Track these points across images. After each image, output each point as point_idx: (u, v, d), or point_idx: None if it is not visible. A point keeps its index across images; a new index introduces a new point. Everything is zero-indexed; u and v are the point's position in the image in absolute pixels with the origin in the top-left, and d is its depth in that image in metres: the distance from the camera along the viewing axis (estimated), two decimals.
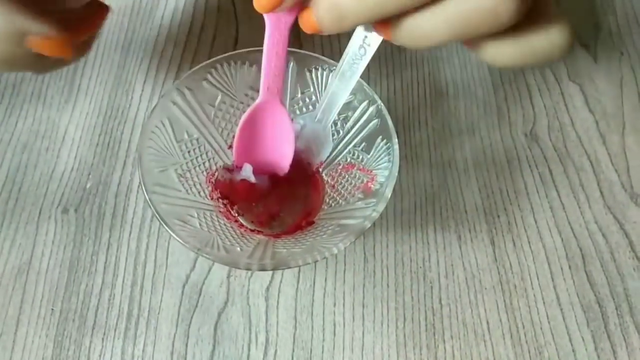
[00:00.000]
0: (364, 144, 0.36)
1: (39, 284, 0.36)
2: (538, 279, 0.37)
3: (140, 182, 0.39)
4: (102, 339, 0.34)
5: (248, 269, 0.32)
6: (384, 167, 0.33)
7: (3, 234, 0.37)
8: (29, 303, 0.35)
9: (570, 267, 0.37)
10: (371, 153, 0.35)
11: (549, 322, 0.35)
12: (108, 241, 0.37)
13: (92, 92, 0.43)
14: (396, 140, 0.32)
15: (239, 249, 0.32)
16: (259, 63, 0.36)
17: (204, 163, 0.36)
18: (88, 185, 0.39)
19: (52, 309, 0.35)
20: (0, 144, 0.41)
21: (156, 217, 0.30)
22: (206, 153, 0.37)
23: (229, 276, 0.36)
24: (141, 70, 0.44)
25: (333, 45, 0.47)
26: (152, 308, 0.35)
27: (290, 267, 0.31)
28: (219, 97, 0.36)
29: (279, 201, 0.37)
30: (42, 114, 0.42)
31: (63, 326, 0.34)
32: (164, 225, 0.29)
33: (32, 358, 0.33)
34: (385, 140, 0.33)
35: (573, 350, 0.34)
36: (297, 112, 0.38)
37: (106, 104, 0.43)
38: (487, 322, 0.35)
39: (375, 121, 0.34)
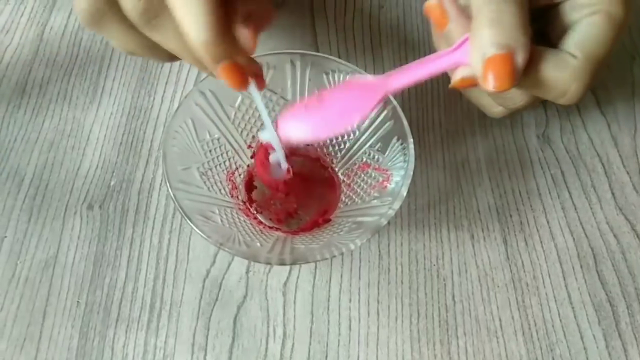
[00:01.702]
0: (379, 144, 0.36)
1: (65, 278, 0.37)
2: (550, 277, 0.37)
3: (162, 180, 0.41)
4: (126, 331, 0.35)
5: (268, 263, 0.33)
6: (399, 166, 0.34)
7: (30, 229, 0.39)
8: (56, 295, 0.36)
9: (581, 267, 0.38)
10: (386, 153, 0.36)
11: (560, 320, 0.36)
12: (131, 236, 0.38)
13: (116, 93, 0.45)
14: (411, 140, 0.33)
15: (258, 244, 0.33)
16: (276, 66, 0.37)
17: (224, 162, 0.38)
18: (112, 183, 0.41)
19: (78, 302, 0.36)
20: (27, 143, 0.42)
21: (180, 212, 0.31)
22: (226, 152, 0.38)
23: (247, 271, 0.37)
24: (163, 73, 0.46)
25: (349, 49, 0.48)
26: (173, 301, 0.36)
27: (308, 262, 0.32)
28: (239, 99, 0.38)
29: (296, 199, 0.39)
30: (68, 113, 0.44)
31: (88, 318, 0.36)
32: (188, 221, 0.31)
33: (58, 348, 0.35)
34: (400, 141, 0.34)
35: (584, 348, 0.35)
36: None
37: (129, 104, 0.44)
38: (500, 319, 0.36)
39: (390, 122, 0.35)
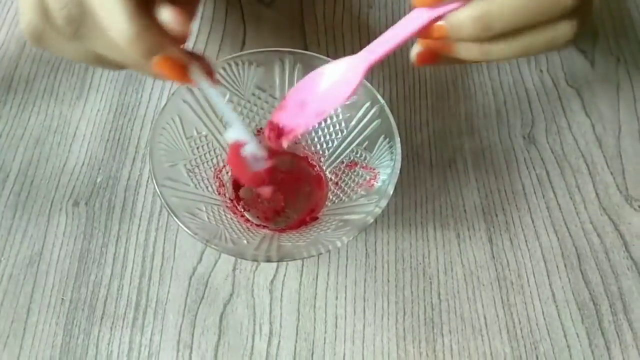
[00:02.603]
0: (366, 142, 0.37)
1: (50, 274, 0.37)
2: (534, 276, 0.38)
3: (149, 177, 0.40)
4: (111, 328, 0.35)
5: (255, 260, 0.32)
6: (386, 165, 0.34)
7: (15, 226, 0.38)
8: (40, 292, 0.36)
9: (565, 266, 0.38)
10: (374, 152, 0.36)
11: (544, 319, 0.36)
12: (117, 234, 0.38)
13: (103, 90, 0.45)
14: (398, 139, 0.34)
15: (245, 241, 0.33)
16: (266, 64, 0.37)
17: (211, 159, 0.38)
18: (98, 180, 0.40)
19: (62, 299, 0.36)
20: (13, 139, 0.42)
21: (166, 209, 0.31)
22: (214, 150, 0.38)
23: (234, 269, 0.37)
24: None
25: (337, 47, 0.48)
26: (159, 299, 0.36)
27: (295, 259, 0.32)
28: (227, 96, 0.38)
29: (284, 198, 0.39)
30: (55, 109, 0.44)
31: (73, 315, 0.35)
32: (174, 217, 0.31)
33: (42, 345, 0.34)
34: (387, 139, 0.35)
35: (568, 346, 0.35)
36: None
37: (117, 101, 0.44)
38: (485, 318, 0.36)
39: (377, 121, 0.36)
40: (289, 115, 0.32)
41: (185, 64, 0.27)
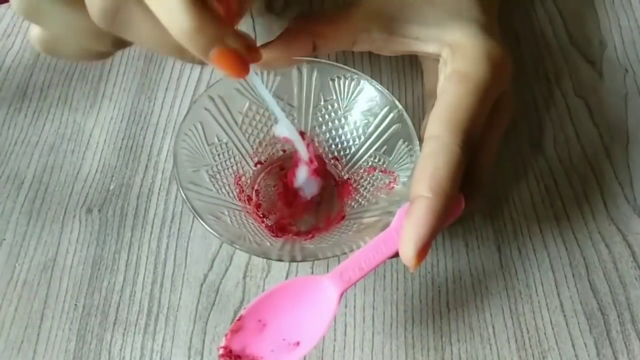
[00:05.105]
0: (385, 147, 0.37)
1: (63, 280, 0.37)
2: (542, 286, 0.38)
3: (161, 185, 0.41)
4: (123, 334, 0.36)
5: (280, 260, 0.33)
6: (405, 167, 0.35)
7: (30, 232, 0.39)
8: (54, 298, 0.37)
9: (573, 275, 0.38)
10: (392, 155, 0.36)
11: (552, 328, 0.36)
12: (130, 240, 0.39)
13: (116, 98, 0.45)
14: (417, 141, 0.34)
15: (268, 244, 0.34)
16: (283, 73, 0.38)
17: (232, 166, 0.38)
18: (111, 187, 0.41)
19: (76, 305, 0.37)
20: (28, 146, 0.43)
21: (192, 211, 0.32)
22: (234, 157, 0.38)
23: (244, 276, 0.38)
24: (163, 79, 0.46)
25: (347, 54, 0.48)
26: (171, 305, 0.37)
27: (319, 259, 0.32)
28: (247, 105, 0.38)
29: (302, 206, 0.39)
30: (69, 117, 0.44)
31: (86, 321, 0.36)
32: (199, 219, 0.31)
33: (55, 351, 0.35)
34: (406, 143, 0.35)
35: (576, 356, 0.35)
36: (320, 119, 0.40)
37: (129, 109, 0.45)
38: (493, 327, 0.36)
39: (396, 126, 0.36)
40: (247, 338, 0.30)
41: (245, 57, 0.25)
